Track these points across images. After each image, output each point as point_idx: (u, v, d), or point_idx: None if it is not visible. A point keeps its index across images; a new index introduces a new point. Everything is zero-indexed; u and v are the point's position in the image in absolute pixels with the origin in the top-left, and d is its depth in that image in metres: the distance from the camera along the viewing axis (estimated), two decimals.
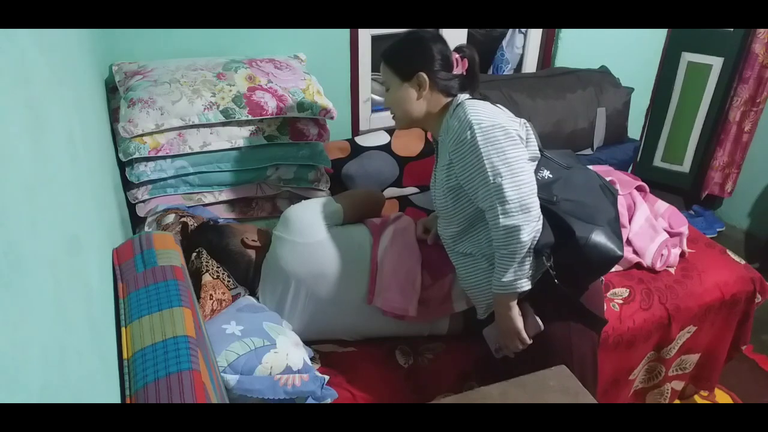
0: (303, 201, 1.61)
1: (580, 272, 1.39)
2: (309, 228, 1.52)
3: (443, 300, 1.55)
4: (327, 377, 1.38)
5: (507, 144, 1.28)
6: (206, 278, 1.47)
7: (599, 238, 1.33)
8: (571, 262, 1.34)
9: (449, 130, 1.35)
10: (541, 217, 1.31)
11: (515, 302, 1.35)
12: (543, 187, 1.34)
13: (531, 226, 1.28)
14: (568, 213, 1.34)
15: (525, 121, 1.40)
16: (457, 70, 1.40)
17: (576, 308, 1.41)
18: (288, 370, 1.30)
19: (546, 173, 1.39)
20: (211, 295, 1.44)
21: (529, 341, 1.38)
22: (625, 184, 2.02)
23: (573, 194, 1.38)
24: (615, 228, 1.38)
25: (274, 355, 1.29)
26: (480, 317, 1.49)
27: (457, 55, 1.40)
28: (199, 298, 1.42)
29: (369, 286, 1.52)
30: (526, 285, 1.32)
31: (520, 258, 1.29)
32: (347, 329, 1.58)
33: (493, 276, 1.35)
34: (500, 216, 1.28)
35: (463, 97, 1.39)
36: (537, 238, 1.29)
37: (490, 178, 1.27)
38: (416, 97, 1.40)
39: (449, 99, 1.41)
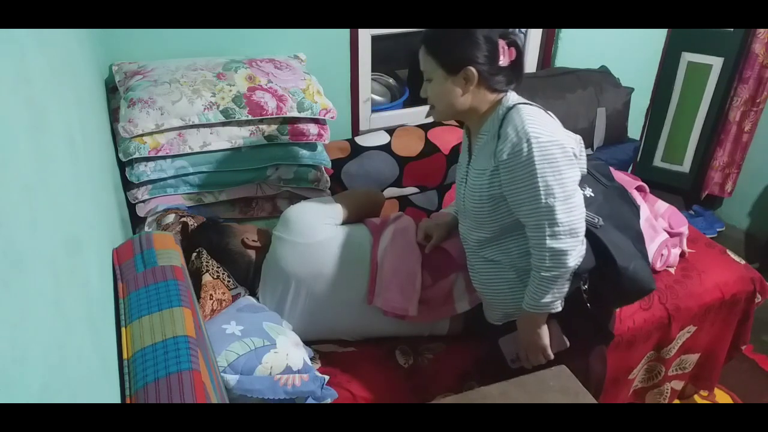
0: (303, 201, 1.61)
1: (611, 298, 1.40)
2: (309, 228, 1.52)
3: (445, 300, 1.55)
4: (327, 377, 1.38)
5: (564, 163, 1.22)
6: (206, 278, 1.47)
7: (638, 269, 1.33)
8: (605, 288, 1.34)
9: (502, 136, 1.26)
10: (585, 240, 1.28)
11: (545, 319, 1.34)
12: (586, 206, 1.29)
13: (577, 251, 1.25)
14: (609, 239, 1.31)
15: (579, 137, 1.34)
16: (503, 61, 1.27)
17: (597, 326, 1.41)
18: (288, 370, 1.30)
19: (589, 191, 1.35)
20: (211, 295, 1.44)
21: (552, 357, 1.36)
22: (625, 184, 2.01)
23: (612, 215, 1.35)
24: (644, 251, 1.39)
25: (274, 355, 1.29)
26: (493, 321, 1.47)
27: (503, 42, 1.27)
28: (199, 298, 1.42)
29: (369, 286, 1.52)
30: (560, 306, 1.31)
31: (562, 281, 1.27)
32: (347, 329, 1.58)
33: (526, 293, 1.32)
34: (547, 237, 1.23)
35: (514, 98, 1.32)
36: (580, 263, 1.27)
37: (542, 197, 1.22)
38: (462, 92, 1.30)
39: (496, 95, 1.32)
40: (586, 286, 1.32)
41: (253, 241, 1.60)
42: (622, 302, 1.51)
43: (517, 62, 1.30)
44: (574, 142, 1.28)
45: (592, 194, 1.33)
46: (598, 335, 1.46)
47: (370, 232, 1.60)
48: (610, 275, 1.32)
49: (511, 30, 1.29)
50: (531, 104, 1.30)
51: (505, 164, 1.25)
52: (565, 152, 1.23)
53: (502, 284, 1.40)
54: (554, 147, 1.21)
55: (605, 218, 1.34)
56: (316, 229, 1.53)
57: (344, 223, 1.60)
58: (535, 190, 1.22)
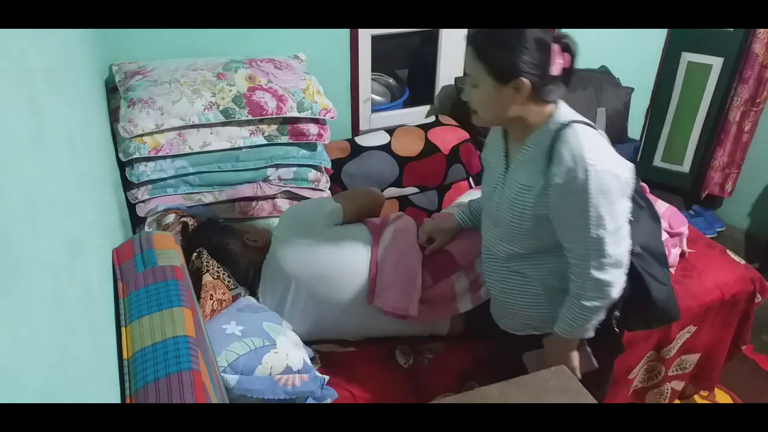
0: (302, 201, 1.61)
1: (636, 323, 1.41)
2: (309, 228, 1.52)
3: (446, 300, 1.55)
4: (327, 377, 1.38)
5: (618, 195, 1.18)
6: (206, 278, 1.47)
7: (669, 300, 1.34)
8: (633, 314, 1.35)
9: (556, 159, 1.18)
10: None
11: (576, 344, 1.33)
12: None
13: (621, 282, 1.24)
14: (644, 267, 1.30)
15: (631, 165, 1.26)
16: (556, 68, 1.17)
17: (614, 343, 1.42)
18: (288, 370, 1.30)
19: (629, 216, 1.31)
20: (211, 295, 1.44)
21: (581, 377, 1.33)
22: None
23: (648, 241, 1.33)
24: (668, 274, 1.40)
25: (274, 356, 1.29)
26: (510, 331, 1.44)
27: (557, 47, 1.17)
28: (199, 298, 1.42)
29: (369, 286, 1.52)
30: (593, 332, 1.30)
31: (602, 311, 1.26)
32: (348, 329, 1.57)
33: (560, 317, 1.30)
34: (593, 268, 1.21)
35: (566, 112, 1.24)
36: None
37: (592, 227, 1.17)
38: (511, 102, 1.20)
39: (546, 106, 1.23)
40: (618, 313, 1.31)
41: (253, 241, 1.60)
42: (646, 327, 1.54)
43: (571, 69, 1.20)
44: (627, 171, 1.22)
45: (632, 218, 1.28)
46: (612, 350, 1.45)
47: (370, 232, 1.59)
48: (641, 303, 1.31)
49: (563, 32, 1.20)
50: (585, 122, 1.23)
51: (557, 189, 1.18)
52: (620, 183, 1.18)
53: (527, 297, 1.36)
54: (610, 177, 1.16)
55: (642, 244, 1.31)
56: (316, 230, 1.52)
57: (344, 222, 1.60)
58: (586, 219, 1.17)
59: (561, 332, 1.30)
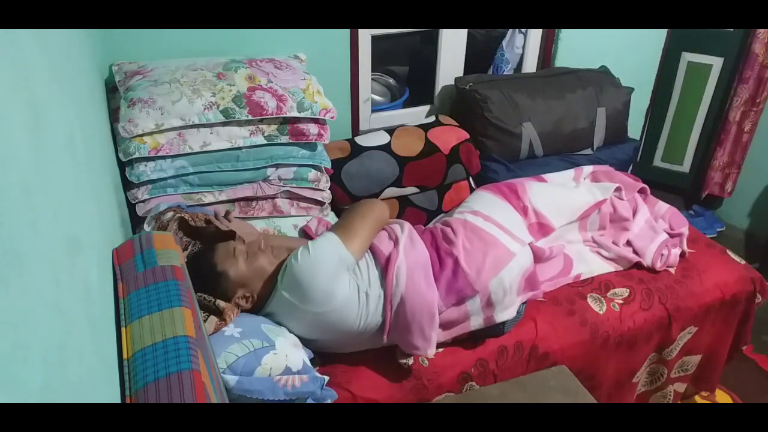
0: (313, 255, 1.41)
1: None
2: (325, 296, 1.41)
3: (460, 321, 1.55)
4: (327, 378, 1.37)
5: None
6: (221, 303, 1.40)
7: None
8: None
9: None
10: None
11: None
12: None
13: None
14: None
15: None
16: None
17: None
18: (287, 371, 1.29)
19: None
20: (230, 316, 1.39)
21: None
22: (628, 187, 2.01)
23: None
24: None
25: (273, 356, 1.29)
26: None
27: None
28: (222, 319, 1.38)
29: (383, 326, 1.48)
30: None
31: None
32: (350, 349, 1.55)
33: None
34: None
35: None
36: None
37: None
38: None
39: None
40: None
41: (246, 300, 1.46)
42: None
43: None
44: None
45: None
46: None
47: (380, 265, 1.52)
48: None
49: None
50: None
51: None
52: None
53: None
54: None
55: None
56: (333, 296, 1.41)
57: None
58: None
59: None
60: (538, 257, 1.74)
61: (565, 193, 1.94)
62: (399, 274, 1.49)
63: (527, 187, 1.91)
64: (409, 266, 1.51)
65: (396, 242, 1.58)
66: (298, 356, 1.34)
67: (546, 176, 2.05)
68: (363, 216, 1.57)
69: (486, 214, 1.73)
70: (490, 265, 1.55)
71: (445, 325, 1.53)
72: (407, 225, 1.66)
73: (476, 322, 1.55)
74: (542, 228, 1.82)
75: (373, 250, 1.56)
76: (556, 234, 1.85)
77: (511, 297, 1.57)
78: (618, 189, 1.97)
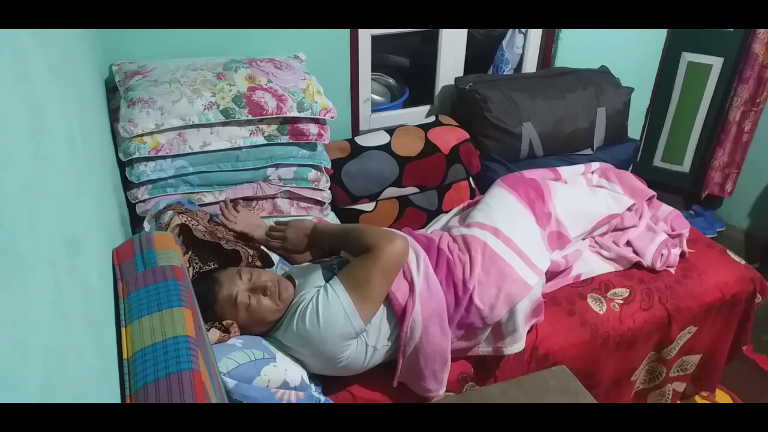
0: (323, 321, 1.33)
1: None
2: (329, 359, 1.38)
3: (470, 349, 1.56)
4: (323, 398, 1.37)
5: None
6: (226, 321, 1.38)
7: None
8: None
9: None
10: None
11: None
12: None
13: None
14: None
15: None
16: None
17: None
18: (285, 385, 1.29)
19: None
20: (235, 333, 1.37)
21: None
22: (638, 193, 1.98)
23: None
24: None
25: (272, 369, 1.28)
26: None
27: None
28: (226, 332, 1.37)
29: (395, 372, 1.47)
30: None
31: None
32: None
33: None
34: None
35: None
36: None
37: None
38: None
39: None
40: None
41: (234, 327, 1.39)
42: None
43: None
44: None
45: None
46: None
47: (394, 317, 1.44)
48: None
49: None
50: None
51: None
52: None
53: None
54: None
55: None
56: (338, 359, 1.38)
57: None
58: None
59: None
60: (555, 271, 1.74)
61: (586, 200, 1.89)
62: (414, 327, 1.43)
63: (553, 191, 1.83)
64: (425, 318, 1.43)
65: (411, 287, 1.45)
66: (297, 372, 1.33)
67: (560, 170, 2.03)
68: (384, 270, 1.39)
69: (507, 236, 1.63)
70: (504, 301, 1.52)
71: (456, 352, 1.53)
72: (423, 258, 1.52)
73: (485, 350, 1.56)
74: (561, 238, 1.77)
75: (387, 297, 1.43)
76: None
77: (520, 330, 1.55)
78: (630, 207, 1.93)
